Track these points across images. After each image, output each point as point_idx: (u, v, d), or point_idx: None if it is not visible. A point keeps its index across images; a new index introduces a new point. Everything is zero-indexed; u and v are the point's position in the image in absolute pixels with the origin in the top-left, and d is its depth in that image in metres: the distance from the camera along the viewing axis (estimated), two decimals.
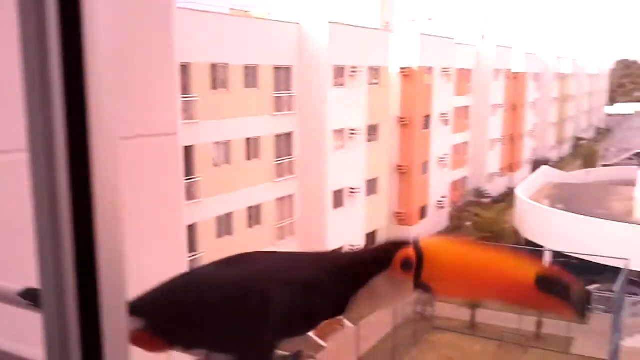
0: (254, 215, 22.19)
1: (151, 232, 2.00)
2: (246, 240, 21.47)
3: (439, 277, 0.94)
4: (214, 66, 20.38)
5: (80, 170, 0.47)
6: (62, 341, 0.50)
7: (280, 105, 23.19)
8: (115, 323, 0.52)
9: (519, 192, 31.80)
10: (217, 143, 20.62)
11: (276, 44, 22.70)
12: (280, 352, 0.98)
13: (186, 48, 18.04)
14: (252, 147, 22.03)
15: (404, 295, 0.98)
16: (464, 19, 44.70)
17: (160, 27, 1.93)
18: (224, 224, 20.92)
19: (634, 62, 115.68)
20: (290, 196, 24.00)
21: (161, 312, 0.97)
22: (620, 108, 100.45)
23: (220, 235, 20.67)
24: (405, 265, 0.93)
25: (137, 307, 0.96)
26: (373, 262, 0.96)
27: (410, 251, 0.93)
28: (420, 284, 0.94)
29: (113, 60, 0.50)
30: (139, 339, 0.96)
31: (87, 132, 0.47)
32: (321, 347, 19.92)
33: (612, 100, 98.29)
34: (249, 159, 21.87)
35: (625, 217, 27.18)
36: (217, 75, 20.61)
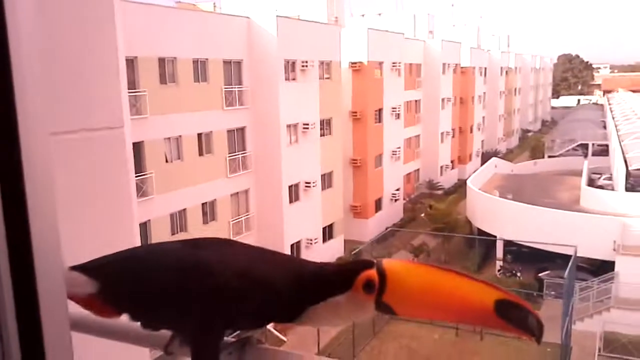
0: (208, 211, 21.83)
1: (100, 230, 1.95)
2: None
3: (401, 299, 0.94)
4: (161, 60, 19.95)
5: (10, 166, 0.48)
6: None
7: (231, 99, 22.91)
8: (55, 325, 0.55)
9: (470, 184, 32.40)
10: (168, 139, 20.20)
11: (225, 38, 22.41)
12: (228, 339, 0.98)
13: (132, 42, 17.60)
14: (204, 142, 21.67)
15: (363, 315, 0.98)
16: (412, 14, 45.31)
17: (102, 20, 1.91)
18: (178, 221, 20.51)
19: (576, 57, 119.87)
20: (245, 191, 23.75)
21: (115, 279, 0.96)
22: (565, 101, 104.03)
23: (174, 232, 20.26)
24: (367, 287, 0.92)
25: (93, 270, 0.96)
26: (334, 281, 0.95)
27: (372, 273, 0.93)
28: (381, 305, 0.94)
29: (42, 56, 0.51)
30: (90, 303, 0.96)
31: (15, 129, 0.47)
32: (281, 341, 19.79)
33: (556, 94, 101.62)
34: (201, 154, 21.51)
35: (572, 206, 27.99)
36: (166, 70, 20.19)
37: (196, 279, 0.92)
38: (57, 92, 1.71)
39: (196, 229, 21.01)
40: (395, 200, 34.15)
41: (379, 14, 44.17)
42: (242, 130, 23.62)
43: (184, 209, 20.62)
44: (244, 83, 23.51)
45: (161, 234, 19.44)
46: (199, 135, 21.45)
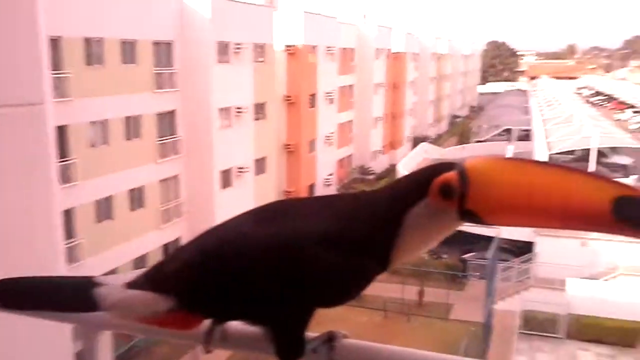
0: (136, 197, 21.20)
1: (19, 217, 1.85)
2: (129, 224, 20.53)
3: (489, 203, 0.80)
4: (87, 40, 19.06)
5: None
6: None
7: (161, 82, 22.23)
8: None
9: (400, 168, 33.02)
10: (94, 122, 19.39)
11: (155, 18, 21.66)
12: (311, 334, 0.91)
13: (56, 21, 16.69)
14: (132, 126, 20.95)
15: (448, 227, 0.86)
16: None
17: None
18: (104, 208, 19.80)
19: (503, 44, 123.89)
20: (175, 177, 23.21)
21: (192, 286, 0.88)
22: (492, 87, 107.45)
23: (100, 219, 19.57)
24: (446, 191, 0.81)
25: (162, 284, 0.87)
26: (408, 192, 0.84)
27: (450, 175, 0.81)
28: (466, 213, 0.82)
29: None
30: (171, 320, 0.87)
31: None
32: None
33: (484, 80, 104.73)
34: (129, 138, 20.80)
35: None
36: (92, 50, 19.32)
37: (287, 260, 0.84)
38: None
39: (123, 216, 20.39)
40: (329, 185, 34.37)
41: None
42: (172, 113, 23.01)
43: (111, 196, 19.93)
44: (175, 65, 22.86)
45: (86, 222, 18.77)
46: (127, 118, 20.71)
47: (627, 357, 19.49)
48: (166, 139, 22.56)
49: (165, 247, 22.33)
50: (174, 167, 22.94)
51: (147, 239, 21.32)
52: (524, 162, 0.82)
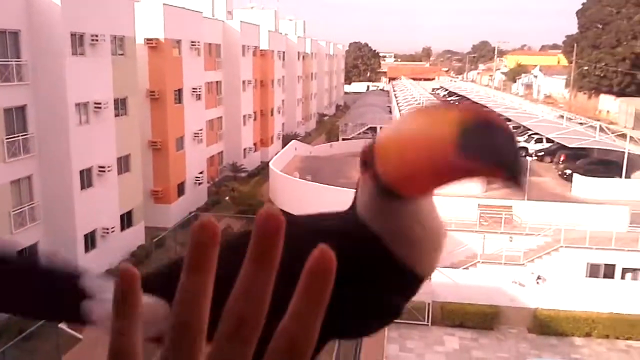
0: None
1: None
2: None
3: (389, 167, 0.72)
4: None
5: None
6: None
7: (7, 74, 20.24)
8: None
9: (272, 166, 32.97)
10: None
11: None
12: None
13: None
14: None
15: (373, 200, 0.77)
16: None
17: None
18: None
19: (365, 45, 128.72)
20: (28, 177, 21.24)
21: None
22: (355, 87, 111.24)
23: None
24: (363, 163, 0.77)
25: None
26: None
27: (365, 146, 0.77)
28: (382, 185, 0.74)
29: None
30: None
31: None
32: (77, 339, 18.18)
33: (348, 80, 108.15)
34: None
35: None
36: None
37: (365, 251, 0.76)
38: None
39: None
40: (199, 183, 33.45)
41: None
42: (22, 109, 21.05)
43: None
44: (23, 56, 20.93)
45: None
46: None
47: (487, 339, 21.00)
48: (16, 137, 20.59)
49: (20, 253, 20.34)
50: (26, 167, 20.99)
51: None
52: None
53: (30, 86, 21.11)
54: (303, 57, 59.60)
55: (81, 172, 22.62)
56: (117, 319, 0.39)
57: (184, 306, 0.36)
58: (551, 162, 35.82)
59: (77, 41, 22.51)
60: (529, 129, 39.22)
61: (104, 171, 23.83)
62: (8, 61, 20.28)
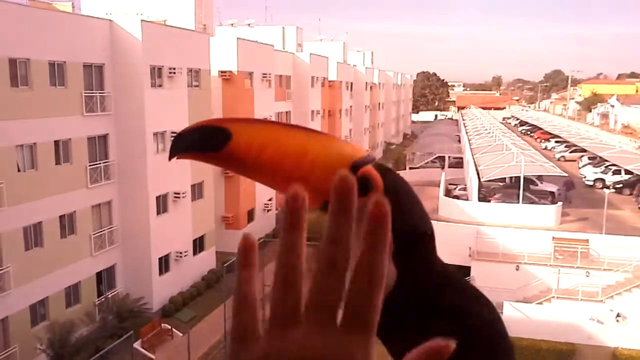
0: (67, 224, 20.23)
1: None
2: (60, 252, 19.52)
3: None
4: (12, 61, 18.27)
5: None
6: None
7: (92, 105, 21.54)
8: None
9: None
10: (20, 146, 18.49)
11: (85, 41, 21.06)
12: None
13: None
14: (61, 150, 20.11)
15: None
16: (281, 27, 45.79)
17: None
18: (33, 235, 18.78)
19: (433, 74, 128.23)
20: (108, 202, 22.35)
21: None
22: (423, 116, 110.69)
23: (28, 247, 18.51)
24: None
25: None
26: None
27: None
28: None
29: None
30: None
31: None
32: (150, 359, 18.79)
33: (415, 109, 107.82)
34: (58, 163, 19.93)
35: (431, 215, 28.87)
36: (18, 72, 18.52)
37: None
38: None
39: (53, 244, 19.39)
40: (268, 210, 34.06)
41: (249, 25, 44.14)
42: (104, 137, 22.28)
43: (40, 222, 18.94)
44: (106, 88, 22.24)
45: (14, 250, 17.72)
46: (56, 142, 19.88)
47: None
48: (98, 164, 21.78)
49: (99, 275, 21.37)
50: (106, 193, 22.11)
51: (79, 267, 20.33)
52: (272, 124, 0.93)
53: (112, 116, 22.34)
54: (371, 87, 60.04)
55: (157, 198, 23.58)
56: (242, 269, 0.49)
57: (288, 256, 0.46)
58: (630, 194, 34.20)
59: (156, 74, 23.70)
60: (606, 160, 37.72)
61: (179, 197, 24.75)
62: (92, 93, 21.59)
